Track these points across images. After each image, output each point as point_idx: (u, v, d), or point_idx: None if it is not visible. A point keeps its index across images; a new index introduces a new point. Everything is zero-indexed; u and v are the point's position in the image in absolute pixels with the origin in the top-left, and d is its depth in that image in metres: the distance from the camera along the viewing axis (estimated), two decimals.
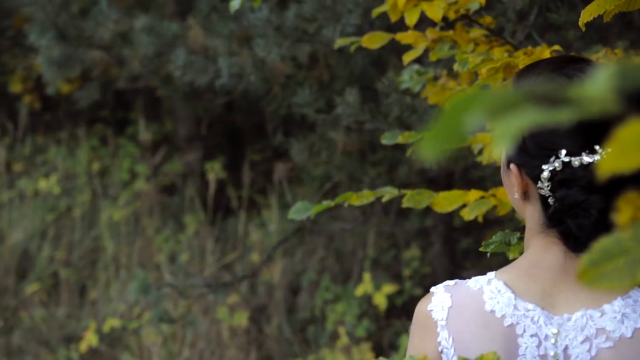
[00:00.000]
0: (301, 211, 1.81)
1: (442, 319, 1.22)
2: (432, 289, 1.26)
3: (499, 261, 1.44)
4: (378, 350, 4.06)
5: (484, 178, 3.29)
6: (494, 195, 1.76)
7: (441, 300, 1.24)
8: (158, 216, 5.12)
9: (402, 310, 4.12)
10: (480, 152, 1.96)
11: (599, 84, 0.36)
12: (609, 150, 0.42)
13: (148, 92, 5.23)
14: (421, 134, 1.83)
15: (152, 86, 4.63)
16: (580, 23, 1.08)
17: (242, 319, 4.17)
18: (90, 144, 5.57)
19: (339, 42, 2.07)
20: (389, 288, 4.10)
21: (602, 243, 0.56)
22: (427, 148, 0.36)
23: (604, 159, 0.43)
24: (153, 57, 3.75)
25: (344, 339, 4.01)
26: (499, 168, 1.32)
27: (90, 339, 4.25)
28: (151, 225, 5.02)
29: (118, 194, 5.28)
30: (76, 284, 4.82)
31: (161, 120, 5.58)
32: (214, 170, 5.11)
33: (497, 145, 0.38)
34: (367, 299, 4.15)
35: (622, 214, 0.55)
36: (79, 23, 3.97)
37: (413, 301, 3.52)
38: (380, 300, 4.07)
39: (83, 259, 4.96)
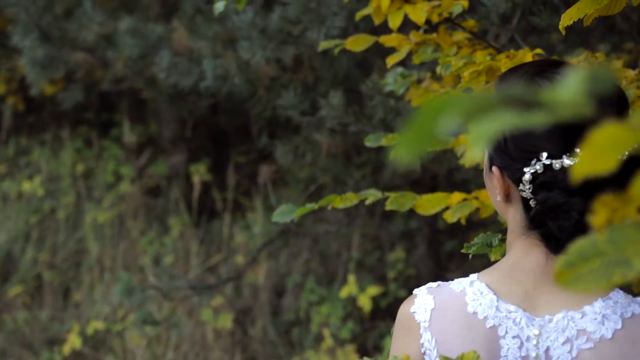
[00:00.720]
0: (285, 214, 1.81)
1: (425, 321, 1.23)
2: (415, 291, 1.27)
3: (483, 263, 1.45)
4: (363, 352, 4.06)
5: (468, 181, 3.31)
6: (476, 198, 1.77)
7: (424, 302, 1.24)
8: (142, 218, 5.11)
9: (387, 312, 4.12)
10: (463, 154, 1.97)
11: (570, 88, 0.37)
12: (583, 153, 0.43)
13: (133, 94, 5.22)
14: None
15: (137, 88, 4.62)
16: (560, 27, 1.09)
17: (226, 321, 4.16)
18: (75, 146, 5.54)
19: (323, 45, 2.08)
20: (373, 290, 4.11)
21: (578, 245, 0.56)
22: (402, 151, 0.36)
23: (578, 162, 0.44)
24: (137, 59, 3.74)
25: (328, 341, 4.02)
26: (482, 171, 1.33)
27: (73, 342, 4.23)
28: (136, 228, 5.01)
29: (102, 196, 5.26)
30: (60, 286, 4.79)
31: (146, 122, 5.57)
32: (199, 173, 5.10)
33: (473, 148, 0.39)
34: (352, 300, 4.15)
35: (597, 216, 0.56)
36: (62, 24, 3.95)
37: (397, 303, 3.53)
38: (364, 302, 4.07)
39: (67, 261, 4.94)
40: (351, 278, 4.13)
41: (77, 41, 3.97)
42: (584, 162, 0.43)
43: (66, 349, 4.24)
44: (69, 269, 4.90)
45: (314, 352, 4.02)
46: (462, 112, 0.35)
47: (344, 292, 4.11)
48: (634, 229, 0.55)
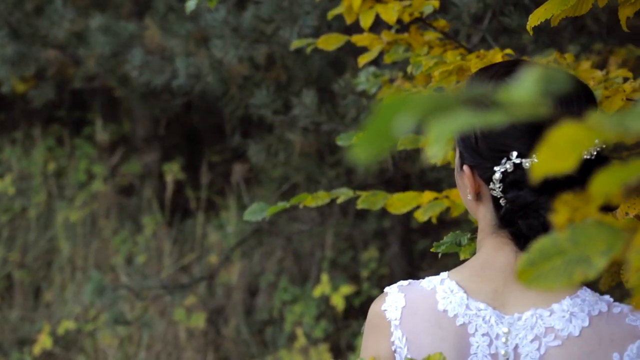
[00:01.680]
0: (257, 212, 1.81)
1: (395, 319, 1.23)
2: (386, 289, 1.27)
3: (455, 262, 1.46)
4: (336, 351, 4.07)
5: (440, 180, 3.32)
6: (447, 197, 1.78)
7: (395, 300, 1.25)
8: (115, 217, 5.07)
9: (360, 311, 4.13)
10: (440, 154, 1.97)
11: (525, 87, 0.37)
12: (542, 152, 0.43)
13: (105, 92, 5.18)
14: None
15: (109, 86, 4.59)
16: (528, 27, 1.10)
17: (199, 321, 4.15)
18: (46, 144, 5.49)
19: (295, 44, 2.07)
20: (346, 289, 4.12)
21: (540, 243, 0.57)
22: (360, 150, 0.36)
23: (537, 162, 0.44)
24: (109, 57, 3.72)
25: (301, 340, 4.02)
26: (453, 170, 1.33)
27: (44, 342, 4.19)
28: (108, 227, 4.97)
29: (74, 195, 5.21)
30: (30, 285, 4.75)
31: (119, 120, 5.53)
32: (172, 171, 5.07)
33: (431, 148, 0.39)
34: (325, 300, 4.16)
35: (559, 215, 0.57)
36: (33, 21, 3.91)
37: (371, 302, 3.54)
38: (338, 301, 4.08)
39: (38, 261, 4.89)
40: (324, 277, 4.13)
41: (48, 38, 3.93)
42: (542, 161, 0.43)
43: (37, 349, 4.20)
44: (39, 268, 4.85)
45: (287, 352, 4.02)
46: (420, 111, 0.36)
47: (317, 291, 4.11)
48: (594, 227, 0.55)
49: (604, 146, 1.17)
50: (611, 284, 1.48)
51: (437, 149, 0.39)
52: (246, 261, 4.49)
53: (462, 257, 1.43)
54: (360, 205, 1.80)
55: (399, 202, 1.80)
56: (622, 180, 0.50)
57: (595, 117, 0.45)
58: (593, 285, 1.33)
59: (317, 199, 1.82)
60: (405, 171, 3.45)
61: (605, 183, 0.50)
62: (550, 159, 0.43)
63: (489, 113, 0.38)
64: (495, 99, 0.37)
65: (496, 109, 0.38)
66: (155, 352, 4.13)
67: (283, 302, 4.25)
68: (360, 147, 0.36)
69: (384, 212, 3.81)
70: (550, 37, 2.43)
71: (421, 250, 4.18)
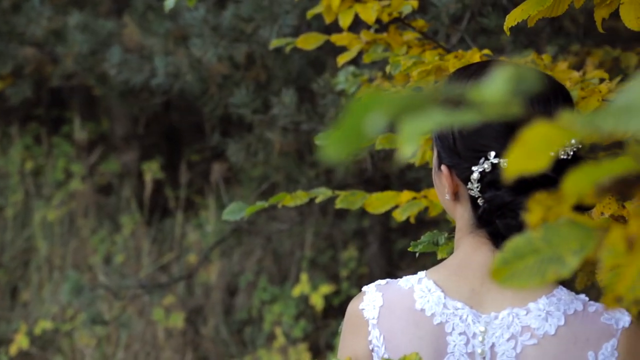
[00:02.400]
0: (235, 212, 1.81)
1: (373, 318, 1.24)
2: (364, 289, 1.28)
3: (434, 261, 1.46)
4: (315, 350, 4.07)
5: (419, 179, 3.33)
6: (425, 197, 1.79)
7: (373, 300, 1.25)
8: (93, 216, 5.04)
9: (339, 310, 4.14)
10: (414, 154, 1.98)
11: (495, 87, 0.37)
12: (514, 152, 0.43)
13: (84, 90, 5.14)
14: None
15: (88, 85, 4.56)
16: (505, 27, 1.11)
17: (178, 320, 4.13)
18: (24, 143, 5.44)
19: (275, 43, 2.07)
20: (326, 288, 4.12)
21: (514, 242, 0.57)
22: (331, 148, 0.36)
23: (509, 161, 0.44)
24: (88, 55, 3.69)
25: (280, 340, 4.01)
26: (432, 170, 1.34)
27: (21, 342, 4.15)
28: (86, 226, 4.94)
29: (52, 194, 5.17)
30: (7, 285, 4.70)
31: (97, 119, 5.49)
32: (151, 170, 5.05)
33: (404, 147, 0.39)
34: (304, 299, 4.16)
35: (532, 214, 0.57)
36: (10, 19, 3.88)
37: (350, 301, 3.55)
38: (317, 301, 4.08)
39: (15, 260, 4.85)
40: (304, 276, 4.13)
41: (26, 36, 3.90)
42: (515, 160, 0.43)
43: (13, 349, 4.16)
44: (16, 268, 4.81)
45: (266, 351, 4.01)
46: (391, 110, 0.36)
47: (297, 291, 4.11)
48: (567, 227, 0.56)
49: (580, 146, 1.18)
50: (587, 283, 1.49)
51: (409, 148, 0.39)
52: (225, 261, 4.48)
53: (439, 257, 1.43)
54: (338, 204, 1.80)
55: (378, 202, 1.80)
56: (594, 180, 0.50)
57: (567, 117, 0.45)
58: (570, 284, 1.34)
59: (295, 199, 1.82)
60: (385, 171, 3.46)
61: (577, 182, 0.50)
62: (522, 158, 0.43)
63: (461, 112, 0.38)
64: (468, 98, 0.37)
65: (468, 108, 0.39)
66: (134, 352, 4.11)
67: (262, 302, 4.24)
68: (332, 145, 0.36)
69: (363, 212, 3.82)
70: (528, 38, 2.45)
71: (400, 250, 4.19)
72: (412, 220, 1.79)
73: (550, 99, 1.17)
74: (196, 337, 4.24)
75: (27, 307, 4.53)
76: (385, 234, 4.02)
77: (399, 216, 1.77)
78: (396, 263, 4.13)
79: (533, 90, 0.38)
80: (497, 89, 0.37)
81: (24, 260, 4.86)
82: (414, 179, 3.39)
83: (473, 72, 1.24)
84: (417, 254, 1.46)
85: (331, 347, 4.03)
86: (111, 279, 4.33)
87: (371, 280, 3.05)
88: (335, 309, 4.17)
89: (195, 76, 3.24)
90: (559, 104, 1.19)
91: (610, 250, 0.56)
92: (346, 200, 1.82)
